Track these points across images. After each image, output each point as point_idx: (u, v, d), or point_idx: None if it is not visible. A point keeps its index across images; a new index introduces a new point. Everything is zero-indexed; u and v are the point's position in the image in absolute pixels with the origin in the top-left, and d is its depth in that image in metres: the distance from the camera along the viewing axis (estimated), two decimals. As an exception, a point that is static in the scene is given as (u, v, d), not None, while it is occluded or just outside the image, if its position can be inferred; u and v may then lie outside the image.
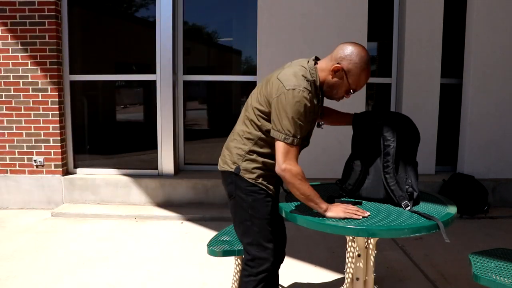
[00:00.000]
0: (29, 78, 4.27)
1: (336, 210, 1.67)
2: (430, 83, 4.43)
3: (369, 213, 1.70)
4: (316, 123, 1.93)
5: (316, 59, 1.80)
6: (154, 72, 4.47)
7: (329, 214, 1.67)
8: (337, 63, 1.69)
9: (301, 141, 1.68)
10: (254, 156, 1.80)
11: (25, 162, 4.37)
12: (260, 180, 1.82)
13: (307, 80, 1.68)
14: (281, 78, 1.69)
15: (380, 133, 1.88)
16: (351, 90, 1.73)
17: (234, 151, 1.83)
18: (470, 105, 4.42)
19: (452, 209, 1.82)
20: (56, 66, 4.28)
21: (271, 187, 1.85)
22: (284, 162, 1.65)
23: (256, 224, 1.83)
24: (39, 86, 4.29)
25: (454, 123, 4.67)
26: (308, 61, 1.77)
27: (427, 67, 4.41)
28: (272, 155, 1.78)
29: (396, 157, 1.85)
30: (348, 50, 1.69)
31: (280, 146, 1.66)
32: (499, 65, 4.37)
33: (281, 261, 2.07)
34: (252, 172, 1.81)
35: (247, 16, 4.63)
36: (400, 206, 1.82)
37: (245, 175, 1.81)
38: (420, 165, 1.99)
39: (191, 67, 4.73)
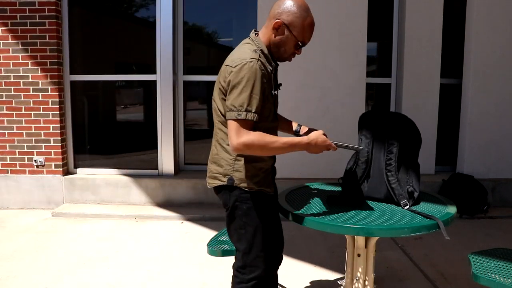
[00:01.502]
0: (30, 78, 4.28)
1: (322, 143, 1.66)
2: (430, 83, 4.44)
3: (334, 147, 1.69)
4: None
5: (256, 30, 1.77)
6: (154, 72, 4.48)
7: (310, 148, 1.66)
8: (276, 19, 1.63)
9: (256, 116, 1.56)
10: (242, 162, 1.69)
11: (26, 162, 4.37)
12: (255, 187, 1.72)
13: (253, 51, 1.62)
14: (227, 62, 1.64)
15: (384, 134, 1.90)
16: (300, 43, 1.66)
17: (223, 162, 1.71)
18: (470, 105, 4.43)
19: (452, 209, 1.82)
20: (56, 66, 4.28)
21: (267, 189, 1.78)
22: (238, 139, 1.55)
23: (250, 232, 1.75)
24: (40, 86, 4.29)
25: (454, 123, 4.67)
26: (249, 36, 1.74)
27: (427, 67, 4.41)
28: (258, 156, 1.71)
29: (399, 157, 1.86)
30: (285, 3, 1.63)
31: (232, 125, 1.56)
32: (499, 65, 4.38)
33: (279, 264, 2.06)
34: (245, 181, 1.70)
35: (247, 16, 4.63)
36: (400, 205, 1.83)
37: (241, 185, 1.70)
38: (420, 165, 1.99)
39: (191, 67, 4.73)
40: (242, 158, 1.70)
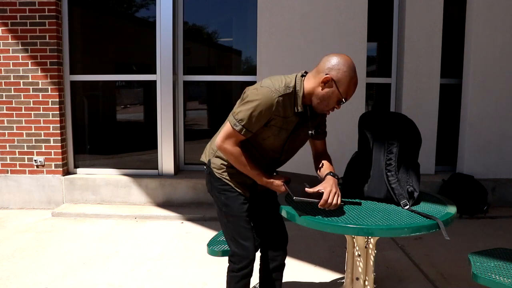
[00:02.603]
0: (30, 78, 4.28)
1: (273, 184, 1.81)
2: (430, 83, 4.44)
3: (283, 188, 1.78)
4: (309, 132, 1.83)
5: (305, 73, 1.81)
6: (154, 72, 4.48)
7: (268, 185, 1.81)
8: (326, 74, 1.69)
9: (249, 133, 1.73)
10: (222, 155, 1.89)
11: (26, 162, 4.37)
12: (226, 176, 1.89)
13: (287, 86, 1.71)
14: (264, 79, 1.77)
15: (384, 134, 1.90)
16: (343, 100, 1.72)
17: (212, 145, 1.97)
18: (470, 105, 4.43)
19: (452, 209, 1.83)
20: (56, 66, 4.29)
21: (240, 187, 1.90)
22: (223, 142, 1.77)
23: (231, 222, 1.90)
24: (40, 86, 4.29)
25: (454, 123, 4.67)
26: (297, 74, 1.79)
27: (427, 67, 4.42)
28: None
29: (398, 157, 1.86)
30: (335, 60, 1.69)
31: (227, 127, 1.76)
32: (499, 65, 4.38)
33: (278, 260, 2.06)
34: (219, 167, 1.91)
35: (247, 16, 4.63)
36: (400, 205, 1.83)
37: (214, 169, 1.92)
38: (420, 165, 2.00)
39: (191, 67, 4.74)
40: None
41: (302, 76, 1.78)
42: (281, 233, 2.07)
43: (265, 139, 1.79)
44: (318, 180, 1.87)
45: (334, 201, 1.65)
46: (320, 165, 1.93)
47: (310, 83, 1.74)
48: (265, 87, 1.70)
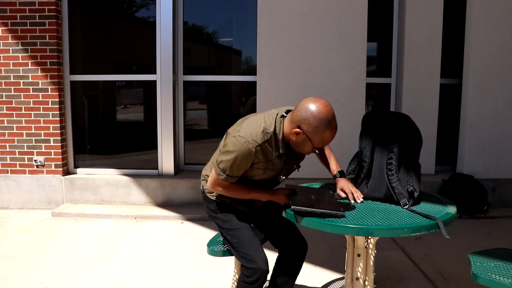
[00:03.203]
0: (30, 78, 4.28)
1: (277, 197, 1.83)
2: (430, 83, 4.44)
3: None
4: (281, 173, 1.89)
5: (287, 112, 1.77)
6: (154, 72, 4.48)
7: (272, 199, 1.85)
8: (297, 126, 1.66)
9: (234, 178, 1.77)
10: None
11: (26, 162, 4.37)
12: (219, 197, 1.95)
13: (265, 133, 1.70)
14: (239, 127, 1.74)
15: (386, 133, 1.91)
16: (316, 150, 1.72)
17: (204, 172, 2.04)
18: (470, 105, 4.43)
19: (452, 209, 1.83)
20: (56, 66, 4.28)
21: (235, 203, 1.95)
22: (214, 187, 1.84)
23: (235, 236, 1.91)
24: (40, 86, 4.29)
25: (454, 123, 4.67)
26: (278, 113, 1.76)
27: (427, 67, 4.41)
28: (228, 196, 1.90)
29: (399, 156, 1.87)
30: (307, 112, 1.62)
31: (213, 175, 1.81)
32: (499, 65, 4.38)
33: (292, 267, 2.01)
34: (210, 191, 1.96)
35: (247, 16, 4.63)
36: (399, 205, 1.84)
37: (208, 194, 1.99)
38: (421, 165, 2.00)
39: (191, 67, 4.74)
40: None
41: (283, 116, 1.74)
42: (296, 238, 2.03)
43: (253, 176, 1.83)
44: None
45: (356, 196, 1.87)
46: (324, 158, 2.08)
47: (286, 128, 1.72)
48: (242, 137, 1.68)
